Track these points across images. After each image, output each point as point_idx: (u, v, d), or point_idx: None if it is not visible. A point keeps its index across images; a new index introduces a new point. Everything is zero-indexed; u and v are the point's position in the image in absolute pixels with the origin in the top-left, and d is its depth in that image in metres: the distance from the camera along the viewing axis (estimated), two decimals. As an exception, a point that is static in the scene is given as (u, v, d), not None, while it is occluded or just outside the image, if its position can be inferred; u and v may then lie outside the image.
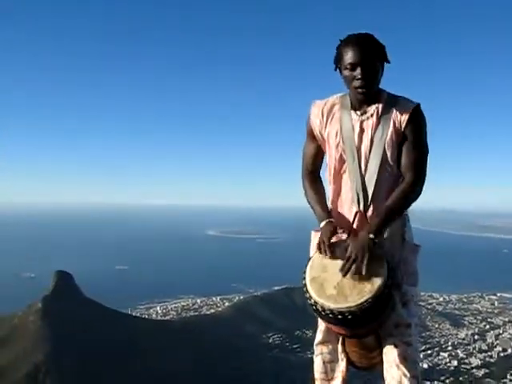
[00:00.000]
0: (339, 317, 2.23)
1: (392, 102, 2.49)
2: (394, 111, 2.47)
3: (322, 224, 2.54)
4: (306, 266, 2.43)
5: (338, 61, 2.48)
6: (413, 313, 2.54)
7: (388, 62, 2.46)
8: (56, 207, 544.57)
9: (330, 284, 2.29)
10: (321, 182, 2.76)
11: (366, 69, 2.37)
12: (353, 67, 2.39)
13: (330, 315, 2.25)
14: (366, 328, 2.41)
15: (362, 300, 2.20)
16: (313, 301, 2.30)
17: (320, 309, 2.27)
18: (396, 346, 2.50)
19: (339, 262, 2.32)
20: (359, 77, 2.38)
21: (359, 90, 2.42)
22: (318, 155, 2.73)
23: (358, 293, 2.22)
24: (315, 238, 2.63)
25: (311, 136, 2.70)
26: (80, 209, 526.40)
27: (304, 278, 2.37)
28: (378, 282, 2.24)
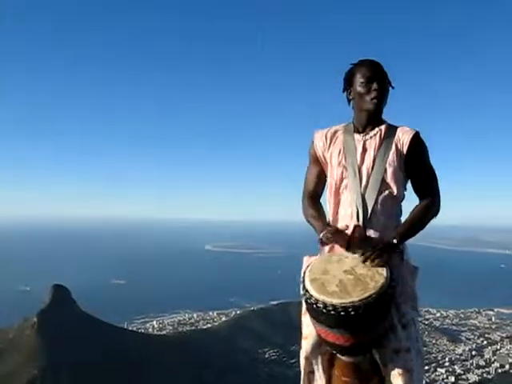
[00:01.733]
0: (342, 313, 2.16)
1: (393, 128, 2.62)
2: (396, 134, 2.59)
3: (323, 232, 2.54)
4: (303, 272, 2.41)
5: (350, 81, 2.64)
6: (413, 337, 2.48)
7: (392, 87, 2.63)
8: (53, 220, 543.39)
9: (331, 283, 2.26)
10: (321, 205, 2.78)
11: (382, 83, 2.55)
12: (369, 80, 2.54)
13: (332, 312, 2.17)
14: (366, 335, 2.30)
15: (366, 295, 2.17)
16: (313, 299, 2.24)
17: (321, 306, 2.20)
18: (397, 374, 2.42)
19: (340, 266, 2.35)
20: (376, 87, 2.53)
21: (374, 101, 2.55)
22: (320, 180, 2.79)
23: (362, 289, 2.20)
24: (307, 262, 2.60)
25: (314, 160, 2.78)
26: (77, 222, 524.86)
27: (303, 280, 2.34)
28: (381, 280, 2.24)
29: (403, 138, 2.56)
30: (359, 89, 2.56)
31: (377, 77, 2.54)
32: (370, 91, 2.54)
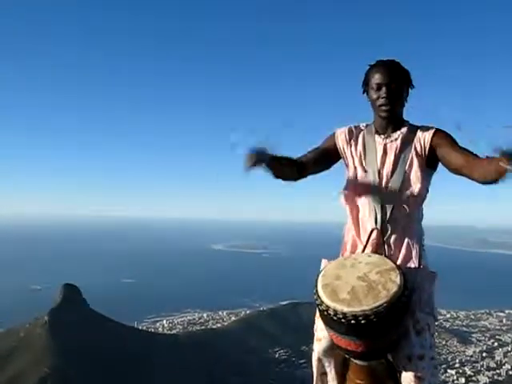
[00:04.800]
0: (352, 322, 2.13)
1: (414, 128, 2.57)
2: (417, 135, 2.54)
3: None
4: (317, 275, 2.38)
5: (366, 84, 2.60)
6: (427, 344, 2.40)
7: (413, 86, 2.58)
8: (63, 220, 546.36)
9: (343, 290, 2.23)
10: (299, 165, 2.60)
11: (391, 89, 2.48)
12: (379, 87, 2.50)
13: (343, 320, 2.14)
14: (378, 342, 2.27)
15: (378, 304, 2.13)
16: (324, 305, 2.21)
17: (332, 313, 2.17)
18: (408, 381, 2.37)
19: (353, 271, 2.32)
20: (384, 95, 2.49)
21: (383, 108, 2.52)
22: (318, 160, 2.71)
23: (373, 297, 2.16)
24: (323, 266, 2.59)
25: (329, 146, 2.73)
26: (88, 221, 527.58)
27: (316, 285, 2.32)
28: (393, 289, 2.18)
29: (423, 136, 2.52)
30: (371, 94, 2.55)
31: (387, 82, 2.48)
32: (378, 98, 2.52)
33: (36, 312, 70.34)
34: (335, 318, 2.17)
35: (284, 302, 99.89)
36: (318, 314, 2.49)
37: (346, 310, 2.14)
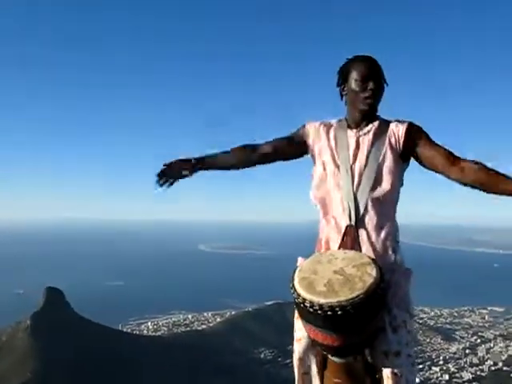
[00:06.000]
0: (329, 313, 2.09)
1: (387, 123, 2.54)
2: (391, 128, 2.50)
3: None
4: (293, 271, 2.34)
5: (345, 77, 2.54)
6: (404, 341, 2.38)
7: (387, 84, 2.53)
8: (46, 223, 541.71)
9: (319, 283, 2.20)
10: (247, 151, 2.64)
11: (377, 82, 2.46)
12: (365, 79, 2.45)
13: (319, 311, 2.10)
14: (354, 335, 2.22)
15: (354, 295, 2.10)
16: (301, 298, 2.17)
17: (308, 305, 2.13)
18: (386, 377, 2.35)
19: (329, 266, 2.28)
20: (371, 87, 2.45)
21: (368, 101, 2.47)
22: (280, 149, 2.67)
23: (349, 289, 2.13)
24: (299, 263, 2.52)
25: (297, 138, 2.67)
26: (71, 224, 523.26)
27: (292, 279, 2.28)
28: (370, 281, 2.15)
29: (397, 130, 2.48)
30: (354, 87, 2.48)
31: (373, 75, 2.46)
32: (365, 90, 2.46)
33: (18, 316, 69.60)
34: (312, 309, 2.14)
35: (269, 302, 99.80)
36: (296, 312, 2.45)
37: (322, 301, 2.11)
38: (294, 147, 2.66)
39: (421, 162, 2.47)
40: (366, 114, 2.52)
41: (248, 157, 2.62)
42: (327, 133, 2.61)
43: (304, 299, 2.16)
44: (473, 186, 2.30)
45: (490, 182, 2.26)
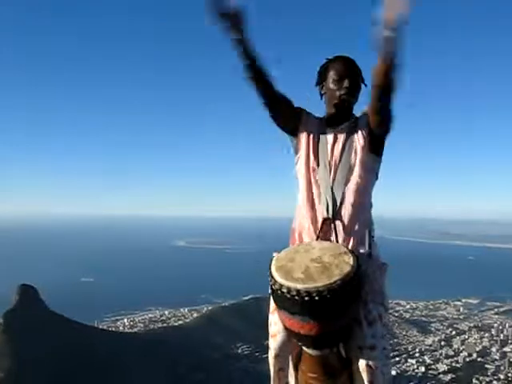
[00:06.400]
0: (306, 298, 2.14)
1: (362, 117, 2.62)
2: (359, 122, 2.61)
3: None
4: (271, 260, 2.40)
5: (324, 76, 2.66)
6: (379, 335, 2.45)
7: (365, 85, 2.62)
8: (17, 219, 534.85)
9: (297, 270, 2.25)
10: (265, 71, 2.48)
11: (353, 81, 2.57)
12: (341, 78, 2.58)
13: (296, 297, 2.15)
14: (330, 324, 2.26)
15: (331, 281, 2.15)
16: (278, 284, 2.22)
17: (286, 291, 2.18)
18: (361, 371, 2.40)
19: (307, 255, 2.34)
20: (346, 85, 2.56)
21: (343, 97, 2.58)
22: (283, 102, 2.61)
23: (327, 276, 2.18)
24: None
25: (294, 110, 2.69)
26: (43, 220, 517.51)
27: (269, 268, 2.34)
28: (347, 268, 2.21)
29: (363, 122, 2.58)
30: (331, 85, 2.60)
31: (349, 74, 2.57)
32: (341, 88, 2.57)
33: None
34: (289, 295, 2.17)
35: (246, 297, 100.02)
36: (272, 308, 2.55)
37: (299, 286, 2.16)
38: (287, 113, 2.66)
39: (373, 126, 2.53)
40: (341, 111, 2.64)
41: (262, 73, 2.46)
42: (312, 126, 2.71)
43: (281, 285, 2.21)
44: (385, 84, 2.27)
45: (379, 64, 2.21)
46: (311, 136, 2.67)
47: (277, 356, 2.62)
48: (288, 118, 2.68)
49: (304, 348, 2.49)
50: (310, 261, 2.30)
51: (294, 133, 2.72)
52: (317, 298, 2.13)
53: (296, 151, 2.72)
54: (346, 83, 2.55)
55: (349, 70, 2.58)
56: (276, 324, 2.55)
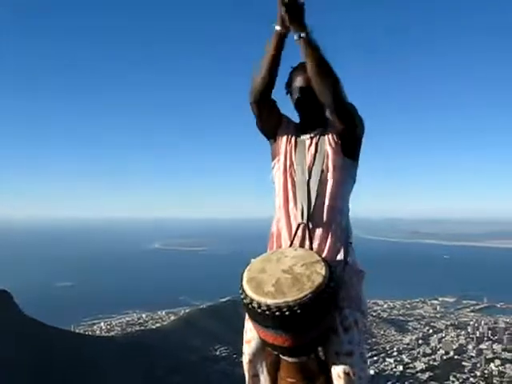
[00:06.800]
0: (277, 313, 2.11)
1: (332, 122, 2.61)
2: (329, 126, 2.63)
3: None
4: (243, 271, 2.39)
5: (290, 85, 2.68)
6: (356, 341, 2.43)
7: None
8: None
9: (268, 283, 2.22)
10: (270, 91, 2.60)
11: (312, 92, 2.49)
12: (300, 90, 2.59)
13: (267, 312, 2.13)
14: (303, 336, 2.25)
15: (302, 295, 2.12)
16: (248, 299, 2.20)
17: (256, 306, 2.16)
18: (337, 377, 2.40)
19: (278, 265, 2.31)
20: (303, 99, 2.60)
21: (304, 110, 2.64)
22: (272, 108, 2.68)
23: (298, 289, 2.15)
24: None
25: (278, 116, 2.74)
26: (19, 224, 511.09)
27: (241, 280, 2.31)
28: (318, 280, 2.18)
29: (332, 124, 2.58)
30: (294, 96, 2.65)
31: (307, 85, 2.54)
32: (299, 100, 2.63)
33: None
34: (260, 310, 2.17)
35: (223, 299, 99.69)
36: (246, 313, 2.48)
37: (269, 302, 2.15)
38: (273, 117, 2.70)
39: (344, 135, 2.55)
40: (311, 120, 2.67)
41: (274, 75, 2.52)
42: (289, 132, 2.72)
43: (252, 300, 2.21)
44: (321, 77, 2.36)
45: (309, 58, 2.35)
46: (289, 141, 2.69)
47: (250, 362, 2.63)
48: (272, 122, 2.70)
49: (281, 355, 2.48)
50: (281, 272, 2.27)
51: (273, 137, 2.74)
52: (287, 313, 2.11)
53: (273, 156, 2.74)
54: (304, 95, 2.58)
55: (307, 81, 2.51)
56: (251, 331, 2.55)
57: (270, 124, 2.71)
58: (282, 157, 2.67)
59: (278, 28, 2.35)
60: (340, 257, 2.49)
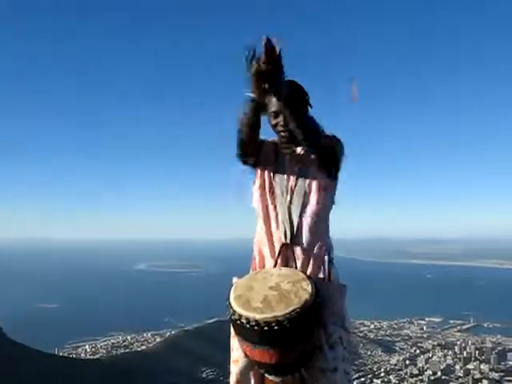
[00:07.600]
0: (265, 328, 2.15)
1: None
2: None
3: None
4: (229, 289, 2.42)
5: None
6: (340, 357, 2.45)
7: (311, 107, 2.61)
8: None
9: (255, 299, 2.26)
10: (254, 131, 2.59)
11: (291, 112, 2.44)
12: (276, 115, 2.54)
13: (256, 327, 2.16)
14: (291, 352, 2.26)
15: (290, 309, 2.16)
16: (237, 315, 2.23)
17: (245, 321, 2.19)
18: None
19: (265, 283, 2.36)
20: (281, 123, 2.53)
21: (282, 134, 2.57)
22: (255, 140, 2.62)
23: (285, 304, 2.19)
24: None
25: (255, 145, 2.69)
26: (3, 244, 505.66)
27: (228, 297, 2.35)
28: (305, 296, 2.23)
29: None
30: (271, 119, 2.59)
31: (282, 109, 2.48)
32: (277, 125, 2.57)
33: None
34: (248, 326, 2.20)
35: (210, 321, 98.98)
36: (233, 333, 2.52)
37: (258, 317, 2.18)
38: (255, 153, 2.68)
39: (320, 155, 2.55)
40: (292, 140, 2.58)
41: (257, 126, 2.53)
42: (268, 155, 2.71)
43: (240, 316, 2.24)
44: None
45: None
46: (268, 163, 2.68)
47: (238, 382, 2.61)
48: (255, 156, 2.68)
49: (266, 375, 2.48)
50: (268, 289, 2.31)
51: (255, 165, 2.72)
52: (276, 327, 2.14)
53: (254, 179, 2.72)
54: (280, 119, 2.53)
55: (281, 104, 2.44)
56: (238, 350, 2.54)
57: (254, 158, 2.70)
58: (261, 179, 2.68)
59: (253, 97, 2.35)
60: (322, 273, 2.52)
